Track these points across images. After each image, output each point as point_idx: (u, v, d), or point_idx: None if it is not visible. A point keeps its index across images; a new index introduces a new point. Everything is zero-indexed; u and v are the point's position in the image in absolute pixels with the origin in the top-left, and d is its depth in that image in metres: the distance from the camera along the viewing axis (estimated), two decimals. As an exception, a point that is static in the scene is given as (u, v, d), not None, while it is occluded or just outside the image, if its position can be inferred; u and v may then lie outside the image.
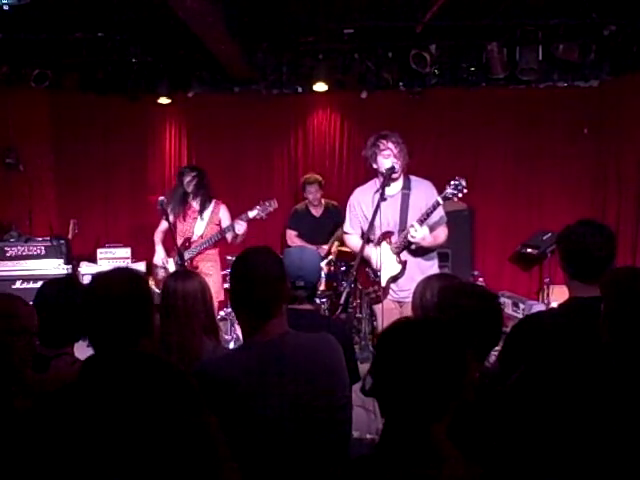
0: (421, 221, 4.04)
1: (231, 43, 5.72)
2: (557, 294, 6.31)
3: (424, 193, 4.21)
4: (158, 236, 5.67)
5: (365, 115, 7.51)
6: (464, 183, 4.01)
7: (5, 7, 4.22)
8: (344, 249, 6.72)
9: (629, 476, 1.86)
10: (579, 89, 7.18)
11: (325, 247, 6.45)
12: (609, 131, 7.14)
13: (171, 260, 5.47)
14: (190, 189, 5.45)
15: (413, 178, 4.34)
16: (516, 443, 1.92)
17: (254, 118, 7.59)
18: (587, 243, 2.48)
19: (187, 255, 5.31)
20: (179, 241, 5.41)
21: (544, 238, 6.86)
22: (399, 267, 4.23)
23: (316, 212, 6.73)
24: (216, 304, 5.63)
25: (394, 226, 4.24)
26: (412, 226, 4.03)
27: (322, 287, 6.07)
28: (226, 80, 7.32)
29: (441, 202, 4.03)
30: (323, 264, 6.13)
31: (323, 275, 6.02)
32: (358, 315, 6.38)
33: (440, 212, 4.20)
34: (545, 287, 6.77)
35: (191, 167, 5.70)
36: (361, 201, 4.39)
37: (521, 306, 6.37)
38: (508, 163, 7.50)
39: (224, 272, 5.93)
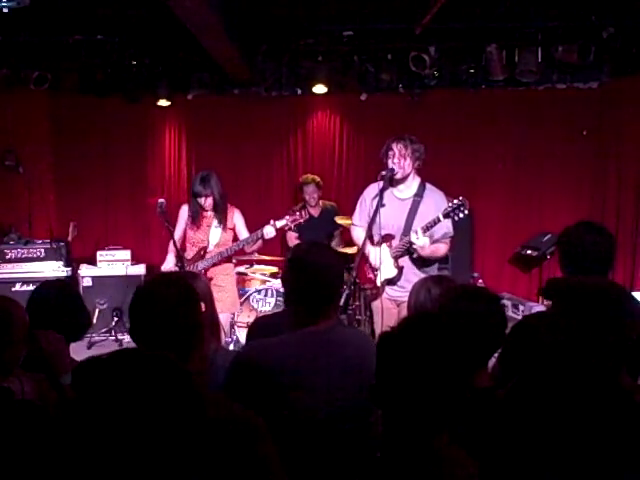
0: (424, 230, 4.03)
1: (230, 45, 5.72)
2: (557, 296, 6.30)
3: (434, 204, 4.18)
4: (174, 244, 5.15)
5: (364, 117, 7.53)
6: (467, 204, 4.01)
7: (4, 9, 4.22)
8: (344, 251, 6.74)
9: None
10: (578, 91, 7.18)
11: None
12: (608, 133, 7.15)
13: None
14: (209, 208, 5.09)
15: (428, 186, 4.32)
16: (515, 447, 1.91)
17: (253, 120, 7.59)
18: (584, 244, 2.50)
19: (201, 265, 4.98)
20: (193, 250, 5.13)
21: (544, 240, 6.86)
22: (395, 271, 4.23)
23: (313, 213, 6.73)
24: (231, 316, 5.46)
25: (397, 230, 4.23)
26: (415, 232, 4.03)
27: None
28: (225, 82, 7.32)
29: (442, 219, 4.01)
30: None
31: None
32: (358, 317, 6.37)
33: (445, 227, 4.17)
34: (545, 289, 6.77)
35: (205, 185, 5.04)
36: (372, 195, 4.37)
37: (521, 308, 6.37)
38: (508, 165, 7.51)
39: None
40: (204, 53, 5.92)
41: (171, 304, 1.83)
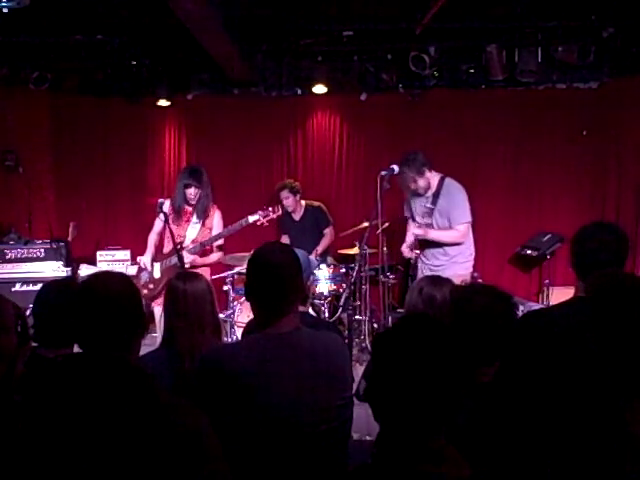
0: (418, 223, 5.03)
1: (230, 45, 5.72)
2: (557, 296, 6.30)
3: (448, 198, 4.94)
4: (152, 238, 5.40)
5: (364, 117, 7.52)
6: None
7: (4, 9, 4.23)
8: (344, 252, 6.76)
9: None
10: (578, 91, 7.17)
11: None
12: (608, 133, 7.14)
13: (157, 265, 5.21)
14: (194, 202, 5.19)
15: (446, 182, 5.02)
16: (515, 442, 1.91)
17: (253, 120, 7.59)
18: (590, 246, 2.48)
19: (174, 261, 5.00)
20: (170, 245, 5.13)
21: (544, 240, 6.86)
22: (414, 256, 5.15)
23: (296, 216, 6.76)
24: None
25: (423, 223, 5.04)
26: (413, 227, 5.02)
27: (329, 288, 6.07)
28: (225, 82, 7.32)
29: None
30: (324, 266, 6.14)
31: (327, 277, 6.05)
32: (357, 317, 6.38)
33: (452, 211, 4.92)
34: (545, 289, 6.76)
35: (197, 177, 5.19)
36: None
37: (521, 308, 6.32)
38: (508, 165, 7.50)
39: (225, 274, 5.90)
40: (204, 53, 5.92)
41: (111, 297, 1.83)
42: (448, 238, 4.96)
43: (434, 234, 4.97)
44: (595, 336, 2.14)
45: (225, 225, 5.28)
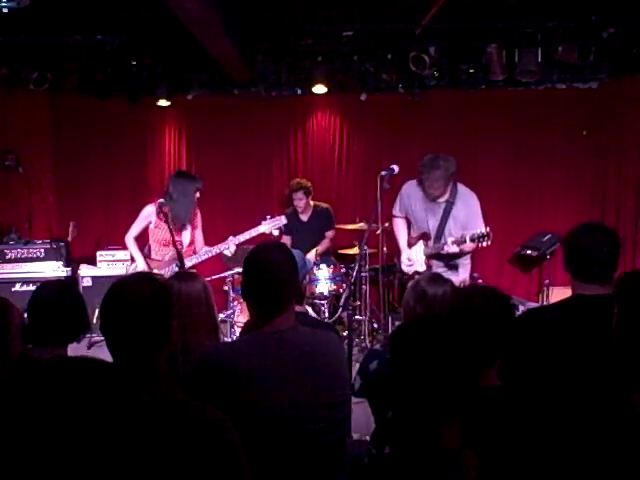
0: (453, 242, 4.59)
1: (230, 45, 5.72)
2: (557, 296, 6.30)
3: (466, 207, 4.73)
4: (135, 244, 5.38)
5: (364, 117, 7.53)
6: (491, 235, 4.48)
7: (4, 9, 4.23)
8: (344, 252, 6.76)
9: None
10: (578, 91, 7.18)
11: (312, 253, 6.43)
12: (608, 132, 7.15)
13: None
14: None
15: (460, 189, 4.79)
16: (514, 439, 1.92)
17: (253, 120, 7.59)
18: (586, 245, 2.51)
19: (176, 268, 4.92)
20: (163, 250, 5.22)
21: (544, 240, 6.86)
22: (424, 267, 4.89)
23: (304, 217, 6.75)
24: None
25: (432, 230, 4.83)
26: (446, 244, 4.63)
27: (329, 288, 6.08)
28: (225, 82, 7.32)
29: (468, 241, 4.54)
30: (324, 266, 6.13)
31: (327, 277, 6.05)
32: (357, 317, 6.38)
33: (470, 221, 4.68)
34: (545, 289, 6.76)
35: (199, 182, 5.31)
36: (410, 193, 4.98)
37: (521, 308, 6.36)
38: (507, 165, 7.51)
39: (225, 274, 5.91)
40: (204, 53, 5.92)
41: (143, 301, 1.76)
42: (473, 248, 4.83)
43: (468, 248, 4.74)
44: (604, 334, 2.14)
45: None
